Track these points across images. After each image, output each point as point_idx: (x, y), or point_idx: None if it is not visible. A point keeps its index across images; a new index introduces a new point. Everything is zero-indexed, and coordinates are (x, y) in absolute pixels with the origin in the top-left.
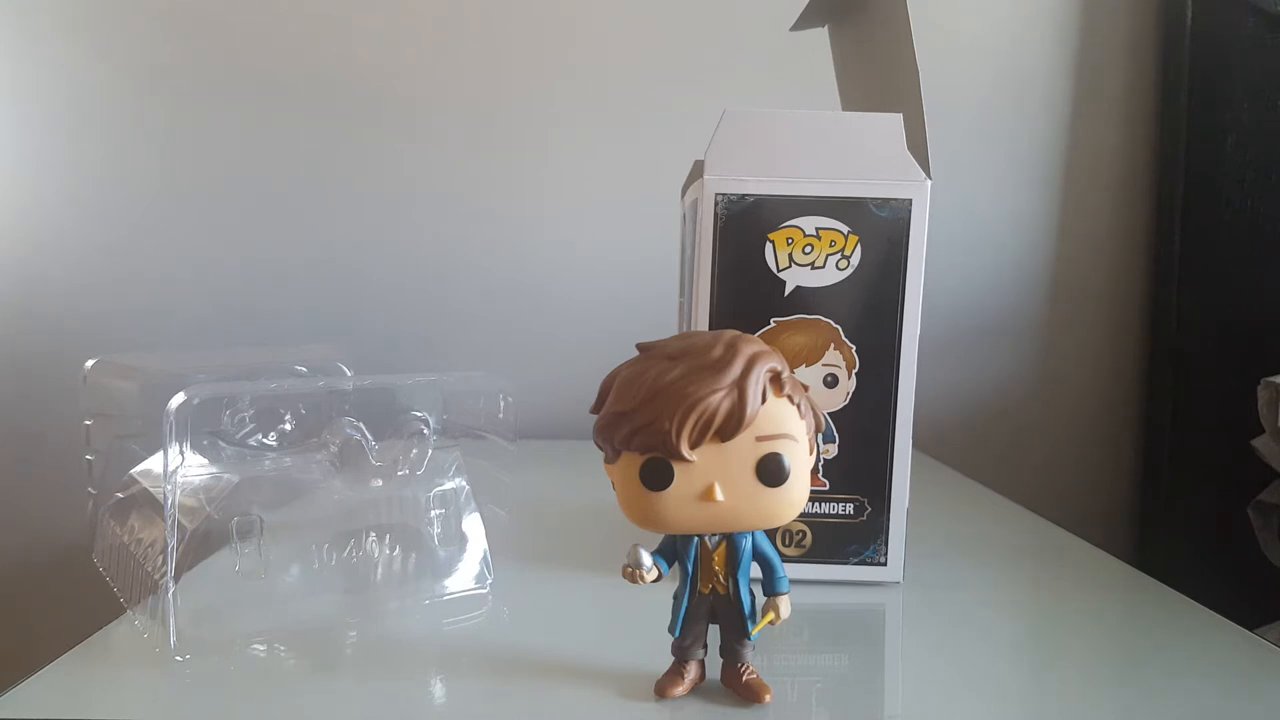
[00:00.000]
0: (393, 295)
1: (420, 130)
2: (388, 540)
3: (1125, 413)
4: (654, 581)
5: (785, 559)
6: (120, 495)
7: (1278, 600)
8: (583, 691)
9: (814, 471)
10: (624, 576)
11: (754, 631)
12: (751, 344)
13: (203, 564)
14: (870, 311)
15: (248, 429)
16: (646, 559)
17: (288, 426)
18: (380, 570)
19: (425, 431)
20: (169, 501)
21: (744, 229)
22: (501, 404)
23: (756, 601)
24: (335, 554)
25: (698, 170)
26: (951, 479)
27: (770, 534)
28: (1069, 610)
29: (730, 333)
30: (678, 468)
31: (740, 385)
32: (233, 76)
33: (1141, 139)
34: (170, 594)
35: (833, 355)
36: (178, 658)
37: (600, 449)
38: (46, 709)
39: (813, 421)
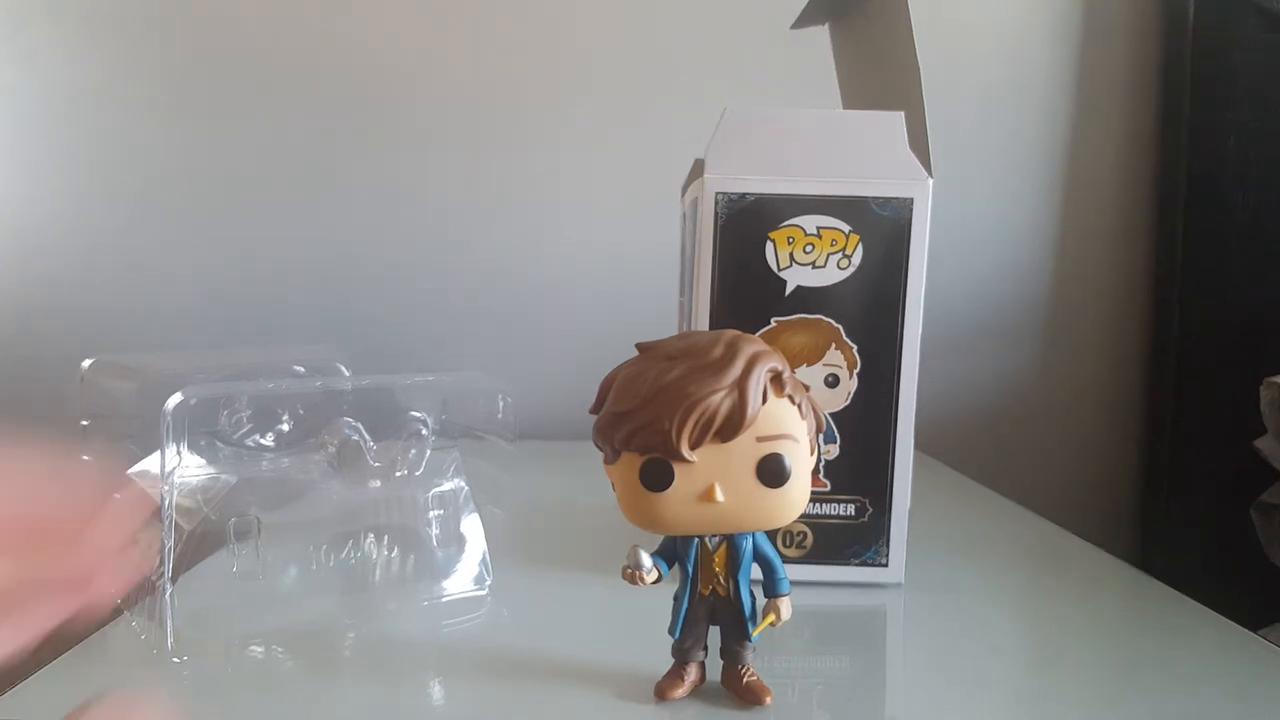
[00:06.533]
0: (393, 295)
1: (421, 129)
2: (386, 541)
3: (1126, 413)
4: (654, 583)
5: (786, 560)
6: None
7: None
8: (582, 693)
9: (815, 472)
10: (624, 578)
11: (755, 633)
12: (752, 344)
13: (200, 565)
14: (871, 311)
15: (245, 429)
16: (646, 560)
17: (285, 427)
18: (379, 571)
19: (424, 432)
20: (166, 502)
21: (744, 228)
22: (501, 404)
23: (757, 603)
24: (333, 555)
25: (698, 169)
26: (952, 479)
27: (771, 535)
28: (1070, 611)
29: (730, 332)
30: (678, 468)
31: (741, 385)
32: (232, 75)
33: (1143, 139)
34: (168, 595)
35: (834, 355)
36: (175, 659)
37: (600, 449)
38: (45, 710)
39: (814, 422)
